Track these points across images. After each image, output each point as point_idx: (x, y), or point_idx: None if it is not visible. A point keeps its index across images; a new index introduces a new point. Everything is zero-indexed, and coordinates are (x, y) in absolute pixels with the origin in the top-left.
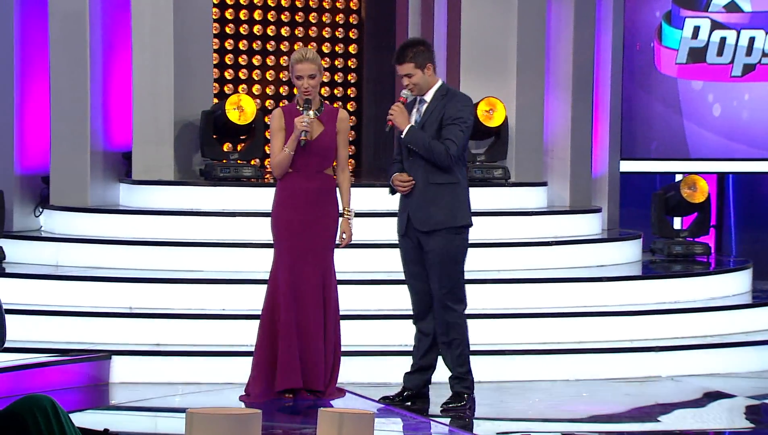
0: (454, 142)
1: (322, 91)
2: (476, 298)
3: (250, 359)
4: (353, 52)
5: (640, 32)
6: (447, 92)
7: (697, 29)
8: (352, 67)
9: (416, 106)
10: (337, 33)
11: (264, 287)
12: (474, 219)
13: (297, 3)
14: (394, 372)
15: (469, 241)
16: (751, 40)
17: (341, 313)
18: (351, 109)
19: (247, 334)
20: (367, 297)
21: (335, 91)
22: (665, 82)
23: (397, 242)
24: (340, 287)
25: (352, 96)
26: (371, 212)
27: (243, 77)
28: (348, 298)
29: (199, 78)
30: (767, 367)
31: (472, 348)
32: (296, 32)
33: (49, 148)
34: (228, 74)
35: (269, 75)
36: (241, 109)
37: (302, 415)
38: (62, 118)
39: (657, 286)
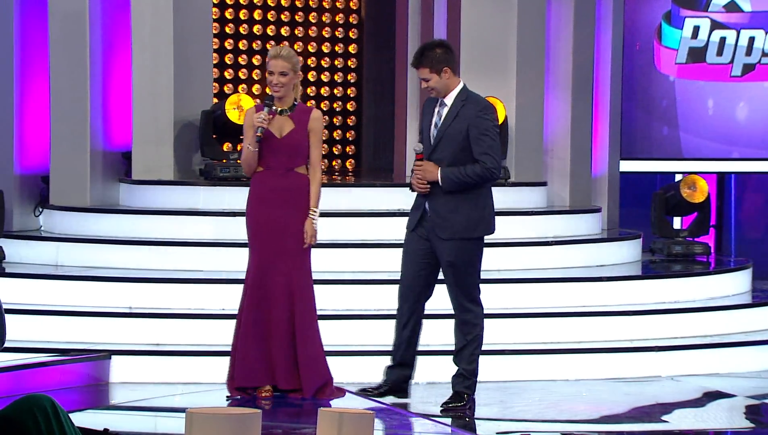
0: (489, 156)
1: (322, 90)
2: None
3: None
4: (353, 52)
5: (639, 32)
6: (467, 97)
7: (696, 29)
8: (352, 67)
9: (436, 109)
10: (337, 33)
11: None
12: None
13: (297, 3)
14: None
15: None
16: (751, 39)
17: (342, 313)
18: (351, 109)
19: None
20: (368, 297)
21: (335, 91)
22: (665, 82)
23: (397, 242)
24: (341, 288)
25: (351, 96)
26: (371, 212)
27: (243, 77)
28: (348, 299)
29: (198, 78)
30: (767, 366)
31: None
32: (296, 32)
33: (48, 148)
34: (228, 74)
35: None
36: (241, 108)
37: (302, 415)
38: (62, 118)
39: (657, 286)
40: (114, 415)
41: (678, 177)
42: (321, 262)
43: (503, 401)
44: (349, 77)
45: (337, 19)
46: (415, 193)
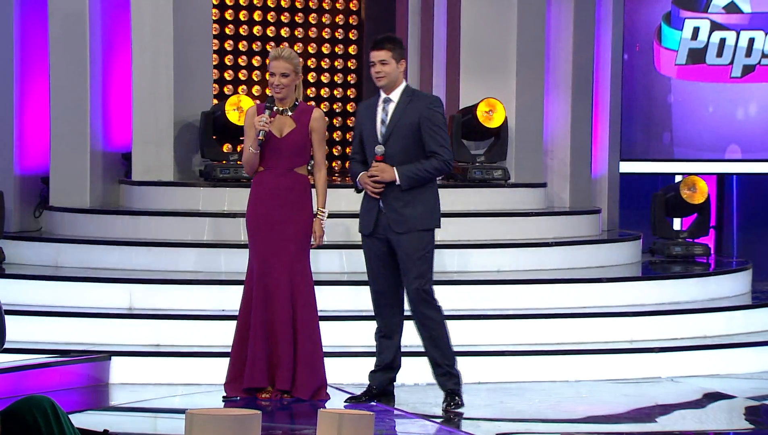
0: (444, 148)
1: (322, 91)
2: (476, 299)
3: None
4: (353, 53)
5: (639, 33)
6: (413, 93)
7: (696, 30)
8: (352, 67)
9: (380, 107)
10: (336, 34)
11: None
12: (474, 220)
13: (297, 4)
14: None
15: (469, 242)
16: (751, 41)
17: (343, 314)
18: (351, 110)
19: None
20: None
21: (335, 92)
22: (665, 83)
23: None
24: (341, 288)
25: (351, 96)
26: None
27: (243, 78)
28: (349, 299)
29: (198, 79)
30: (766, 367)
31: (471, 349)
32: (296, 33)
33: (48, 149)
34: (228, 75)
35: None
36: (241, 109)
37: (302, 416)
38: (62, 119)
39: (656, 287)
40: (114, 416)
41: (678, 178)
42: (321, 263)
43: (503, 402)
44: (348, 78)
45: (336, 20)
46: (361, 195)
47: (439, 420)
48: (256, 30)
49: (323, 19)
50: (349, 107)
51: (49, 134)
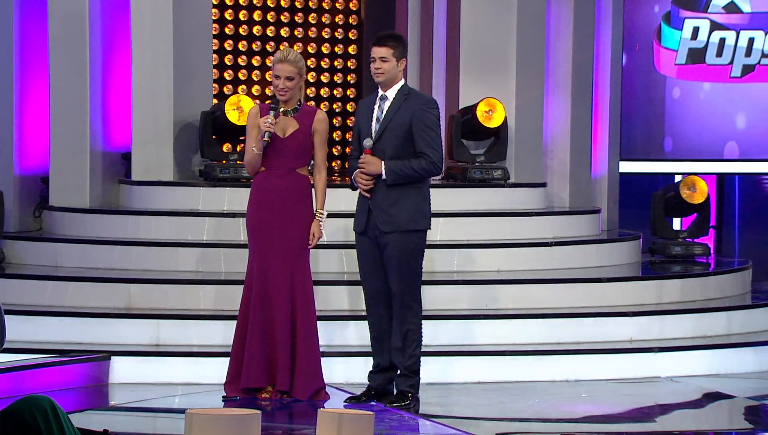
0: (434, 150)
1: (322, 91)
2: (475, 299)
3: None
4: (353, 53)
5: (639, 33)
6: (409, 92)
7: (696, 30)
8: (352, 67)
9: (376, 105)
10: (336, 33)
11: None
12: (473, 219)
13: (296, 4)
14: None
15: (469, 242)
16: (751, 40)
17: (342, 314)
18: (351, 110)
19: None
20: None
21: (335, 92)
22: (665, 83)
23: None
24: (341, 288)
25: (351, 96)
26: None
27: (242, 78)
28: (349, 300)
29: (198, 79)
30: (766, 367)
31: (471, 349)
32: (296, 33)
33: (48, 149)
34: (227, 75)
35: (269, 76)
36: (241, 109)
37: (302, 415)
38: (62, 119)
39: (656, 287)
40: (113, 415)
41: (677, 178)
42: (320, 262)
43: (503, 402)
44: (348, 78)
45: (336, 20)
46: (356, 193)
47: (438, 420)
48: (256, 30)
49: (323, 19)
50: (349, 107)
51: (48, 134)
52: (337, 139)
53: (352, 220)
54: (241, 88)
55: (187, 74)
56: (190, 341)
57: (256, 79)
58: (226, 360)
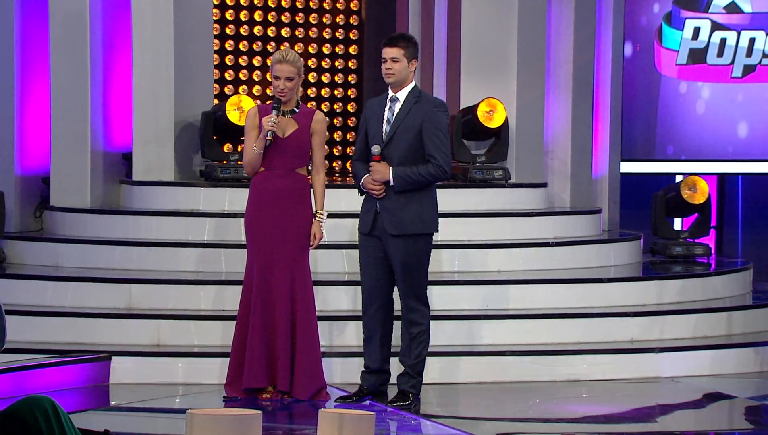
0: (443, 153)
1: (323, 92)
2: (476, 299)
3: None
4: (353, 53)
5: (640, 33)
6: (420, 95)
7: (697, 30)
8: (353, 68)
9: (387, 106)
10: (337, 34)
11: None
12: (474, 220)
13: (297, 4)
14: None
15: (470, 242)
16: (752, 41)
17: (343, 314)
18: (351, 110)
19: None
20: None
21: (335, 92)
22: (665, 83)
23: None
24: (342, 288)
25: (352, 97)
26: None
27: (243, 78)
28: (349, 299)
29: (199, 79)
30: (767, 367)
31: (472, 349)
32: (296, 33)
33: (49, 149)
34: (228, 75)
35: (269, 76)
36: (242, 110)
37: (303, 416)
38: (62, 119)
39: (657, 287)
40: (114, 416)
41: (678, 178)
42: (321, 263)
43: (503, 402)
44: (349, 78)
45: (337, 20)
46: (363, 196)
47: (438, 420)
48: (257, 30)
49: (324, 19)
50: (350, 107)
51: (49, 134)
52: (337, 139)
53: (352, 220)
54: (242, 88)
55: (188, 74)
56: (190, 341)
57: (257, 79)
58: (227, 360)
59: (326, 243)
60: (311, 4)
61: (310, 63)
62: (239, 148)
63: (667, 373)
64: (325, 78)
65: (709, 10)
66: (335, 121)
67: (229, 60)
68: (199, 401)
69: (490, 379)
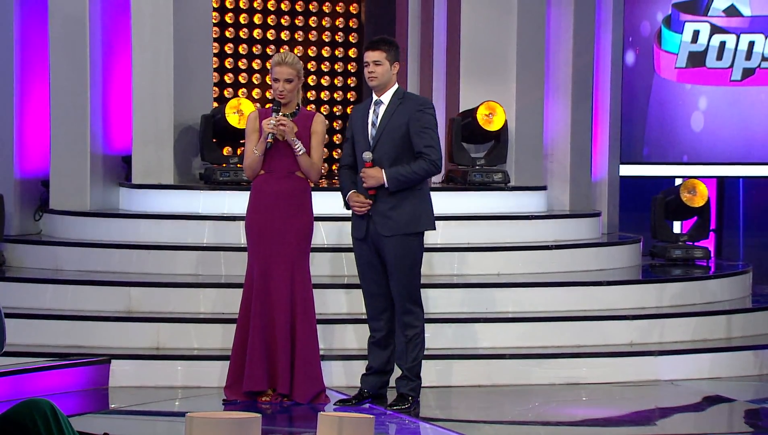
0: (433, 148)
1: (322, 94)
2: (475, 302)
3: None
4: (353, 56)
5: (639, 36)
6: (404, 96)
7: (696, 33)
8: (352, 70)
9: (371, 110)
10: (336, 37)
11: None
12: (474, 222)
13: (297, 7)
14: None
15: (469, 245)
16: (751, 44)
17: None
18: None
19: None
20: None
21: (335, 95)
22: (665, 86)
23: None
24: (340, 291)
25: (351, 99)
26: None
27: (243, 81)
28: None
29: (198, 82)
30: (766, 371)
31: (471, 352)
32: (296, 36)
33: (48, 152)
34: (228, 78)
35: (269, 79)
36: (241, 112)
37: (302, 419)
38: (62, 122)
39: (657, 290)
40: (114, 419)
41: (678, 181)
42: (315, 266)
43: (502, 405)
44: (349, 81)
45: (337, 23)
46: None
47: (438, 423)
48: (257, 33)
49: (323, 22)
50: (349, 110)
51: (49, 137)
52: (337, 142)
53: (348, 223)
54: (242, 91)
55: (187, 77)
56: (190, 344)
57: (256, 82)
58: (227, 363)
59: (326, 246)
60: (311, 7)
61: (309, 66)
62: (239, 151)
63: (667, 376)
64: (325, 81)
65: (709, 14)
66: (335, 124)
67: (228, 63)
68: (199, 404)
69: (489, 382)
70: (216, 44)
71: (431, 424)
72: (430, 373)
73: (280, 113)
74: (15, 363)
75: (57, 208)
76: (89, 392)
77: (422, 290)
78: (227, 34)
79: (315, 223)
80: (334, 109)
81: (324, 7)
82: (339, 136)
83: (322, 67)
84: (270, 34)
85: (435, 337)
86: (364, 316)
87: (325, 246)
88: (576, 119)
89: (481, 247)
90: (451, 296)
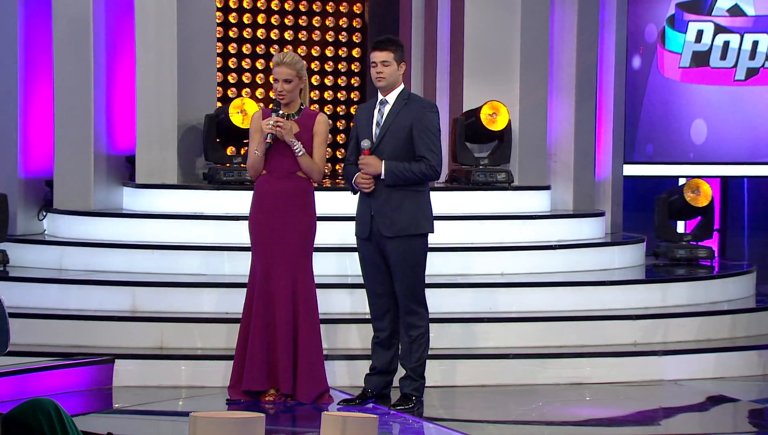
0: (434, 153)
1: (326, 94)
2: (479, 302)
3: None
4: (356, 56)
5: (643, 36)
6: (409, 97)
7: (700, 33)
8: (356, 70)
9: (376, 109)
10: (340, 37)
11: None
12: (477, 222)
13: (301, 7)
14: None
15: (473, 244)
16: (755, 43)
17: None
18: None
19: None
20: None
21: (338, 95)
22: (668, 86)
23: None
24: (343, 291)
25: (355, 99)
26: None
27: (246, 81)
28: (346, 302)
29: (202, 82)
30: None
31: (474, 351)
32: (300, 36)
33: (52, 152)
34: (231, 78)
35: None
36: (245, 112)
37: (306, 418)
38: (66, 122)
39: (660, 290)
40: (118, 418)
41: (681, 181)
42: (318, 266)
43: (506, 404)
44: (352, 81)
45: (340, 23)
46: (356, 197)
47: (442, 423)
48: (260, 33)
49: (327, 22)
50: (353, 110)
51: (53, 137)
52: (340, 142)
53: (351, 223)
54: (245, 91)
55: (191, 77)
56: (194, 344)
57: (260, 82)
58: (230, 363)
59: (330, 245)
60: (314, 6)
61: (313, 66)
62: (242, 151)
63: (671, 376)
64: (328, 81)
65: (712, 13)
66: (338, 124)
67: (232, 63)
68: (203, 404)
69: (493, 381)
70: (220, 44)
71: (435, 424)
72: (434, 372)
73: (281, 113)
74: (19, 363)
75: (61, 208)
76: (93, 392)
77: (426, 290)
78: (231, 33)
79: (319, 222)
80: (338, 109)
81: (327, 7)
82: (343, 135)
83: (326, 66)
84: (273, 34)
85: (439, 336)
86: (368, 316)
87: (329, 246)
88: (579, 119)
89: (485, 246)
90: (454, 296)
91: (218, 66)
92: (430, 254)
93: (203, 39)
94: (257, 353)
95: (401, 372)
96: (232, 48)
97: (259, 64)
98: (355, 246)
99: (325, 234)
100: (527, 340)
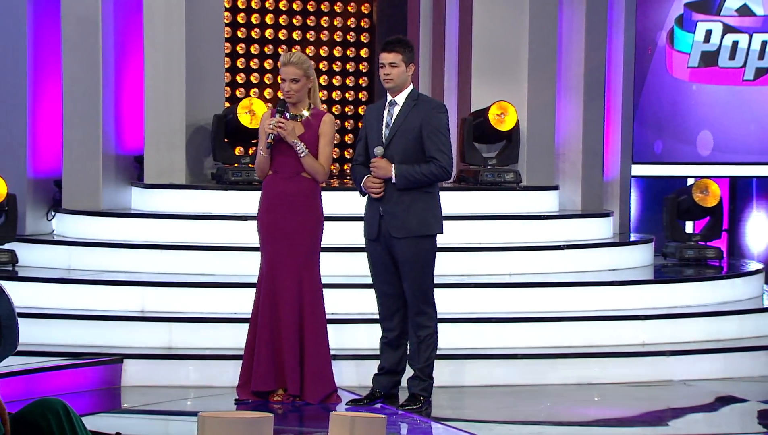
0: (444, 153)
1: (334, 94)
2: (487, 302)
3: None
4: (365, 56)
5: (651, 36)
6: (418, 97)
7: (709, 33)
8: (364, 70)
9: (386, 110)
10: (348, 37)
11: None
12: (485, 222)
13: (309, 7)
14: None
15: (481, 245)
16: (764, 43)
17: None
18: (362, 113)
19: None
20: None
21: (347, 95)
22: (677, 86)
23: None
24: (351, 291)
25: (363, 99)
26: None
27: (254, 81)
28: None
29: (210, 82)
30: None
31: (483, 352)
32: (308, 36)
33: (61, 152)
34: (240, 78)
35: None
36: (253, 112)
37: (314, 419)
38: (75, 122)
39: (669, 290)
40: (126, 418)
41: (690, 181)
42: (325, 266)
43: (515, 405)
44: (360, 81)
45: (348, 23)
46: (365, 199)
47: (450, 423)
48: (268, 33)
49: (335, 22)
50: (361, 110)
51: (61, 137)
52: (348, 142)
53: (359, 223)
54: (254, 91)
55: (199, 77)
56: (202, 344)
57: (268, 82)
58: (239, 363)
59: (338, 246)
60: (322, 7)
61: (321, 66)
62: (250, 151)
63: (679, 376)
64: (336, 81)
65: (721, 13)
66: (346, 124)
67: (240, 63)
68: (211, 404)
69: (501, 382)
70: (228, 44)
71: (443, 424)
72: (442, 373)
73: (288, 113)
74: (28, 362)
75: (69, 208)
76: (102, 392)
77: (434, 290)
78: (239, 34)
79: (326, 223)
80: (346, 109)
81: (336, 7)
82: (351, 135)
83: (334, 67)
84: (282, 34)
85: (446, 336)
86: (376, 316)
87: (337, 246)
88: (588, 119)
89: (493, 247)
90: (462, 296)
91: (226, 66)
92: (438, 254)
93: (212, 39)
94: (264, 353)
95: (409, 372)
96: (240, 48)
97: (268, 65)
98: (363, 246)
99: (332, 234)
100: (535, 341)
